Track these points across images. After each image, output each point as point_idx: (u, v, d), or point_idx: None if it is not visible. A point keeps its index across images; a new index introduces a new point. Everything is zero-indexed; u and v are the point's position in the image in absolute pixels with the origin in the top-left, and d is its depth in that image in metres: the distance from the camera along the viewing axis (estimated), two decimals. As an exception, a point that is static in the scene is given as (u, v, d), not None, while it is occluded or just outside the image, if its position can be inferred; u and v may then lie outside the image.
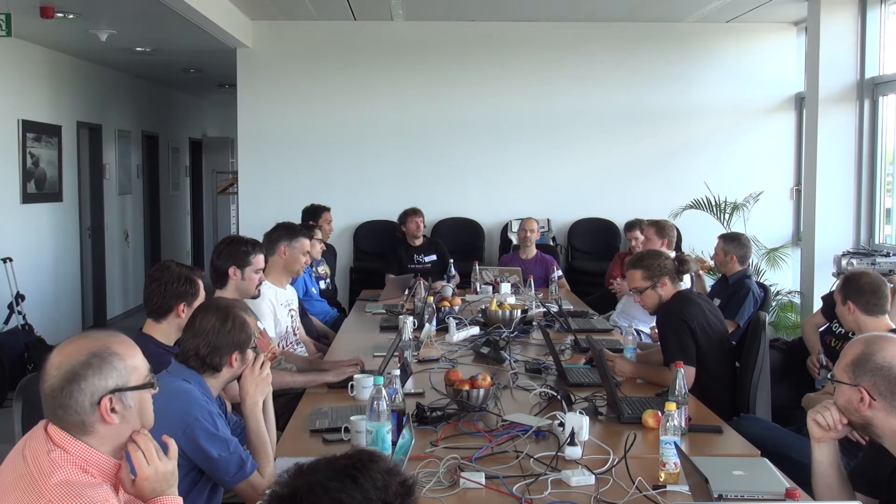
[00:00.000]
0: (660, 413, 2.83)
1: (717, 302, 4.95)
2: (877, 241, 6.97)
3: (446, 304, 5.41)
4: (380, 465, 1.41)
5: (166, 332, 3.14)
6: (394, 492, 1.39)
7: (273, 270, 4.56)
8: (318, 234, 5.77)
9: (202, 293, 3.20)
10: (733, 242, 5.40)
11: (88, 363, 1.86)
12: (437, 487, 2.48)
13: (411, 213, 7.19)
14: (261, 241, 4.28)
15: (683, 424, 2.95)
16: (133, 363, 1.92)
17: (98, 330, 2.00)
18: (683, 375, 3.08)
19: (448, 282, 6.30)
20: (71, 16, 6.86)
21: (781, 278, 7.83)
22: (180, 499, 1.94)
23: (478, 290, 6.28)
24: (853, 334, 3.83)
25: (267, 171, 8.46)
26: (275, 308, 4.38)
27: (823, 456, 2.36)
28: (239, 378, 2.69)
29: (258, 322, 2.90)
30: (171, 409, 2.37)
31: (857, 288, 3.66)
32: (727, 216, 7.70)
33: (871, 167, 7.03)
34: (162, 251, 11.73)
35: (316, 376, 3.75)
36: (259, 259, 3.96)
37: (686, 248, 7.67)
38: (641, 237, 6.31)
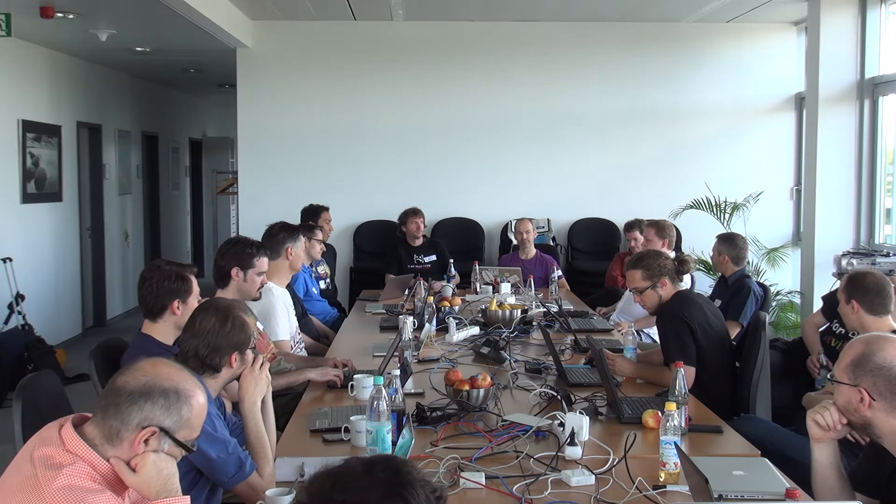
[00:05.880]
0: (660, 413, 2.83)
1: (717, 303, 4.95)
2: (877, 241, 6.97)
3: (446, 304, 5.41)
4: (416, 475, 1.42)
5: (164, 330, 3.14)
6: None
7: (279, 272, 4.57)
8: (319, 235, 5.77)
9: (195, 289, 3.20)
10: (726, 243, 5.39)
11: (166, 394, 1.91)
12: (437, 487, 2.48)
13: (412, 214, 7.20)
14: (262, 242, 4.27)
15: (683, 424, 2.95)
16: (195, 422, 1.97)
17: (192, 372, 2.05)
18: (683, 375, 3.08)
19: (448, 282, 6.30)
20: (71, 16, 6.86)
21: (781, 278, 7.83)
22: (186, 498, 1.95)
23: (478, 290, 6.28)
24: (853, 334, 3.83)
25: (267, 171, 8.46)
26: (287, 309, 4.40)
27: (823, 456, 2.36)
28: (238, 378, 2.69)
29: (257, 322, 2.90)
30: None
31: (861, 287, 3.65)
32: (727, 216, 7.70)
33: (871, 167, 7.03)
34: (162, 251, 11.73)
35: (297, 375, 3.75)
36: (263, 262, 3.95)
37: (686, 248, 7.68)
38: (641, 237, 6.31)
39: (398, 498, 1.38)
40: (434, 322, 4.68)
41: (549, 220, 8.44)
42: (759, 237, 7.85)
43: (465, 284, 6.62)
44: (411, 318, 4.31)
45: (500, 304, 5.09)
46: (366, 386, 3.38)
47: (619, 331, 4.89)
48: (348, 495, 1.38)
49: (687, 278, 4.96)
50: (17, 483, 1.81)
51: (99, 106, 9.73)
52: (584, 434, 2.86)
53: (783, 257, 7.93)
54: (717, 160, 8.42)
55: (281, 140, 8.46)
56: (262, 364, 2.71)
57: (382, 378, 2.68)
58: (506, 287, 5.97)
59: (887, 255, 6.34)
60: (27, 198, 7.96)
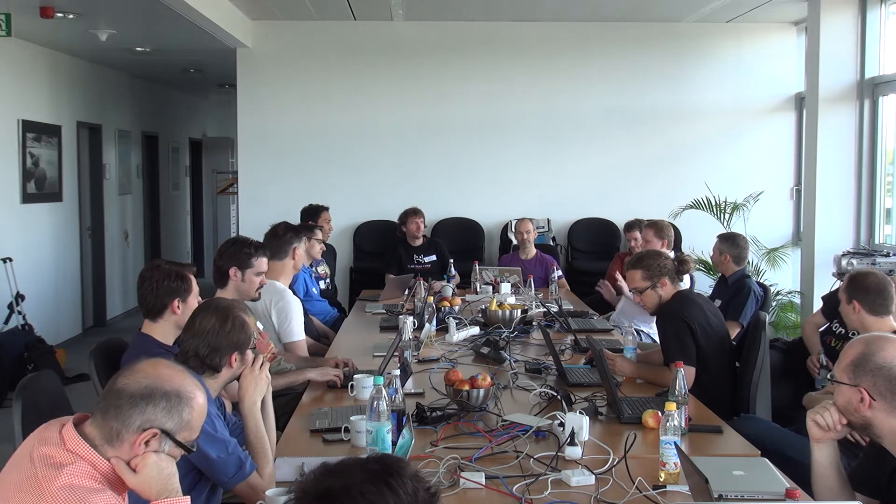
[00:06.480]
0: (660, 413, 2.83)
1: (717, 303, 4.95)
2: (877, 241, 6.96)
3: (446, 304, 5.41)
4: (409, 470, 1.45)
5: (164, 330, 3.14)
6: (422, 498, 1.43)
7: (285, 272, 4.60)
8: (319, 235, 5.77)
9: (195, 288, 3.20)
10: (728, 242, 5.39)
11: (168, 396, 1.91)
12: (437, 487, 2.48)
13: (412, 214, 7.20)
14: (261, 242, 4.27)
15: (683, 424, 2.95)
16: (195, 424, 1.97)
17: (192, 373, 2.06)
18: (683, 375, 3.08)
19: (448, 282, 6.30)
20: (71, 16, 6.85)
21: (781, 278, 7.83)
22: (187, 498, 1.95)
23: (478, 290, 6.27)
24: (853, 334, 3.83)
25: (267, 171, 8.46)
26: (300, 310, 4.42)
27: (823, 456, 2.36)
28: (238, 378, 2.69)
29: (257, 322, 2.90)
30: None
31: (862, 287, 3.65)
32: (727, 216, 7.70)
33: (871, 167, 7.02)
34: (162, 251, 11.72)
35: (298, 374, 3.75)
36: (262, 262, 3.95)
37: (686, 248, 7.67)
38: (641, 237, 6.30)
39: (383, 485, 1.39)
40: (434, 322, 4.68)
41: (549, 220, 8.44)
42: (759, 237, 7.85)
43: (465, 284, 6.61)
44: (411, 318, 4.31)
45: (500, 304, 5.08)
46: (366, 386, 3.38)
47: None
48: (335, 481, 1.40)
49: (686, 278, 4.96)
50: (17, 483, 1.81)
51: (99, 106, 9.72)
52: (584, 434, 2.86)
53: (783, 257, 7.93)
54: (717, 160, 8.42)
55: (281, 140, 8.47)
56: (262, 364, 2.71)
57: (382, 378, 2.68)
58: (506, 287, 5.97)
59: (887, 255, 6.34)
60: (27, 198, 7.96)
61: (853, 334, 3.85)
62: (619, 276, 5.87)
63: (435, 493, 1.45)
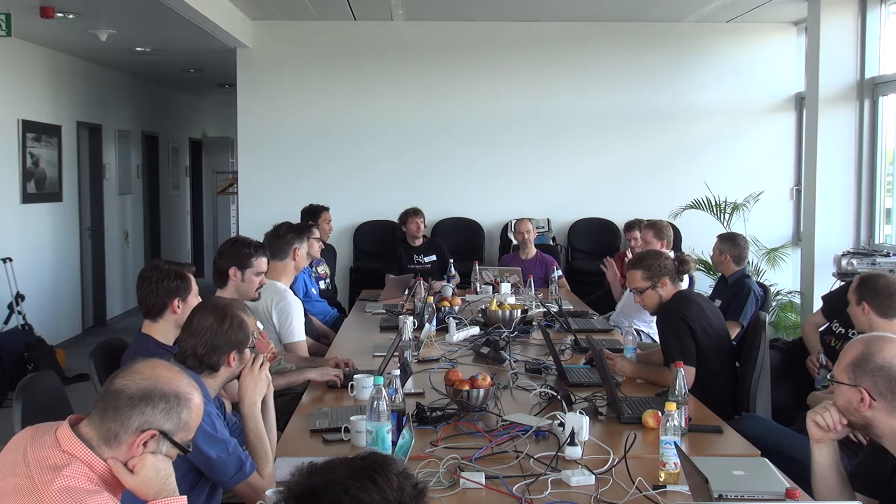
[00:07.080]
0: (660, 413, 2.83)
1: (717, 303, 4.95)
2: (877, 241, 6.97)
3: (446, 304, 5.41)
4: (395, 467, 1.45)
5: (164, 330, 3.14)
6: (408, 494, 1.43)
7: (287, 272, 4.60)
8: (316, 234, 5.77)
9: (195, 287, 3.21)
10: (728, 242, 5.39)
11: (167, 398, 1.90)
12: (437, 487, 2.48)
13: (412, 214, 7.20)
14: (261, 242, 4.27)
15: (683, 424, 2.95)
16: (193, 424, 1.97)
17: (188, 372, 2.07)
18: (683, 375, 3.08)
19: (448, 282, 6.30)
20: (71, 16, 6.86)
21: (781, 278, 7.83)
22: (183, 498, 1.95)
23: (478, 290, 6.27)
24: (853, 334, 3.83)
25: (267, 171, 8.46)
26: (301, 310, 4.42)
27: (823, 457, 2.36)
28: (238, 378, 2.69)
29: (257, 322, 2.90)
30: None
31: (872, 289, 3.63)
32: (727, 216, 7.70)
33: (871, 167, 7.03)
34: (162, 251, 11.73)
35: (298, 375, 3.75)
36: (261, 262, 3.95)
37: (686, 248, 7.68)
38: (640, 238, 6.29)
39: (368, 480, 1.40)
40: (434, 322, 4.68)
41: (549, 220, 8.44)
42: (759, 237, 7.85)
43: (465, 284, 6.62)
44: (411, 318, 4.31)
45: (500, 304, 5.08)
46: (366, 386, 3.38)
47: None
48: (319, 478, 1.41)
49: (686, 278, 4.96)
50: (12, 486, 1.80)
51: (99, 106, 9.72)
52: (584, 434, 2.86)
53: (783, 257, 7.93)
54: (717, 160, 8.42)
55: (281, 140, 8.47)
56: (261, 364, 2.71)
57: (382, 378, 2.68)
58: (506, 287, 5.97)
59: (887, 255, 6.34)
60: (27, 198, 7.96)
61: (853, 334, 3.85)
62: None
63: (422, 490, 1.45)
